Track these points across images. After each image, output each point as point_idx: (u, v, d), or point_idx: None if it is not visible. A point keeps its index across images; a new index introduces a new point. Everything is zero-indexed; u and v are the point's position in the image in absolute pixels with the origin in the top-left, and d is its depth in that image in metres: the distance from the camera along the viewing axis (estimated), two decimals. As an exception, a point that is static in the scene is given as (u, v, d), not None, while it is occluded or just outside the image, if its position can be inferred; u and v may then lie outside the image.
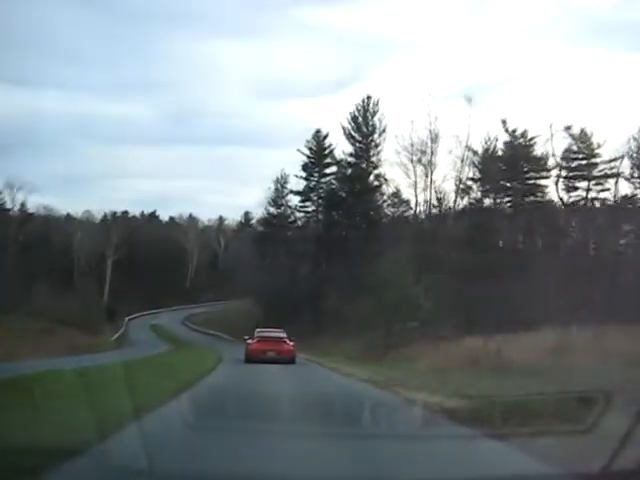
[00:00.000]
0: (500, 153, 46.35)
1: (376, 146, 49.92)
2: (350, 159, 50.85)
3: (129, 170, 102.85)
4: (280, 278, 48.98)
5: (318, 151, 51.92)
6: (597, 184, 43.48)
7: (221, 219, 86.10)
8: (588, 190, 43.67)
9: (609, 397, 6.59)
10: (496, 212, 46.25)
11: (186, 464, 5.67)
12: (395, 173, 54.58)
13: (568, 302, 27.64)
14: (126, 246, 67.30)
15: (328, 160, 52.02)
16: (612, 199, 42.68)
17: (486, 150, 45.96)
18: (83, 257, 67.86)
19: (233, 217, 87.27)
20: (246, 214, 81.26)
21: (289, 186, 54.22)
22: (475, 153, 45.37)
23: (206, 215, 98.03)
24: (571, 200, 44.49)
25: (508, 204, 47.17)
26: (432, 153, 43.94)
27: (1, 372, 13.11)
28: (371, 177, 50.28)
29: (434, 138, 43.56)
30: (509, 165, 45.44)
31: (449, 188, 45.77)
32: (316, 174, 52.38)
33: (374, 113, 49.76)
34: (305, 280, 49.19)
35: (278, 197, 54.79)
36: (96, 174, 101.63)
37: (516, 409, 8.32)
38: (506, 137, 45.91)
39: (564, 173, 44.14)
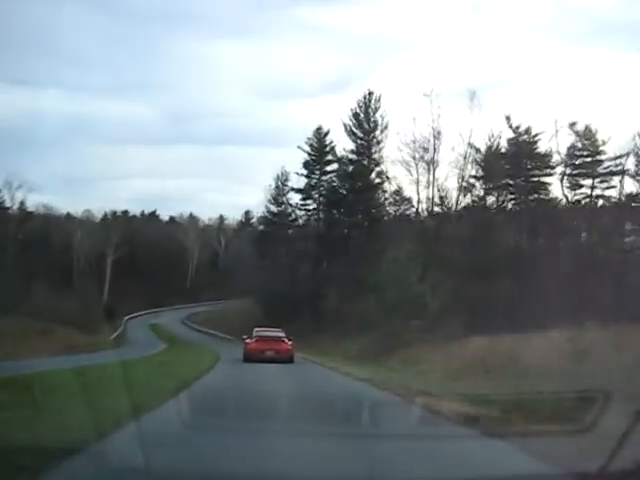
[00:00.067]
0: (503, 150, 45.87)
1: (378, 143, 49.45)
2: (351, 156, 50.33)
3: (129, 169, 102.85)
4: (280, 277, 48.61)
5: (319, 148, 51.47)
6: (602, 182, 43.02)
7: (221, 218, 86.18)
8: (593, 188, 43.23)
9: None
10: (499, 210, 45.80)
11: (184, 463, 5.69)
12: (397, 171, 53.93)
13: (576, 301, 27.21)
14: (126, 245, 67.13)
15: (329, 157, 51.57)
16: (617, 197, 42.23)
17: (489, 147, 45.46)
18: (83, 256, 67.63)
19: (233, 216, 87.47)
20: (246, 213, 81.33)
21: (290, 184, 53.84)
22: (478, 151, 44.88)
23: (206, 214, 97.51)
24: (575, 198, 44.09)
25: (512, 202, 46.72)
26: (435, 150, 43.48)
27: (0, 371, 13.21)
28: (373, 174, 49.73)
29: (437, 135, 43.09)
30: (512, 162, 44.92)
31: (452, 186, 45.35)
32: (317, 171, 51.92)
33: (376, 109, 49.29)
34: (306, 279, 48.75)
35: (279, 195, 54.40)
36: (96, 174, 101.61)
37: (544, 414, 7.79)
38: (510, 134, 45.40)
39: (568, 170, 43.69)
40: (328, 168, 51.81)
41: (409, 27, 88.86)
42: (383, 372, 19.25)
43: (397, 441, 6.89)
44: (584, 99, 70.97)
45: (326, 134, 51.69)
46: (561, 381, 12.11)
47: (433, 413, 9.29)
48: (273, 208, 54.80)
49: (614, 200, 42.82)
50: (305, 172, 51.82)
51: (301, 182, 52.26)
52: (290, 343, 24.93)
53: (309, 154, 51.49)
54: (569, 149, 43.17)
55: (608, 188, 43.08)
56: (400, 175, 48.55)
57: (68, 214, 76.05)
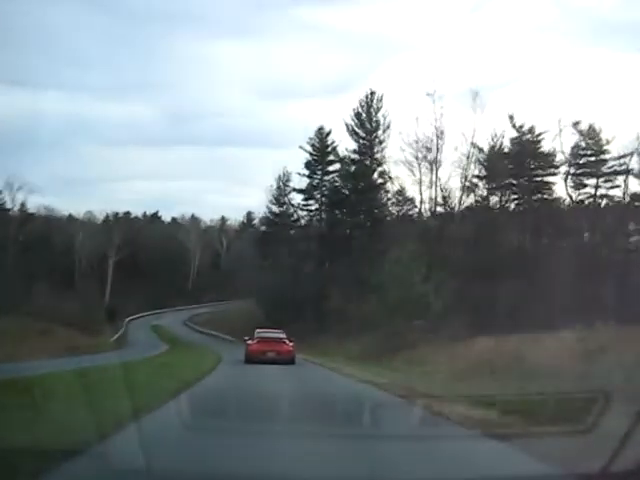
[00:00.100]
0: (506, 150, 45.62)
1: (380, 143, 49.24)
2: (353, 156, 50.12)
3: (131, 171, 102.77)
4: (283, 278, 48.36)
5: (321, 148, 51.24)
6: (606, 181, 42.75)
7: (223, 219, 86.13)
8: (597, 187, 42.97)
9: None
10: (503, 210, 45.55)
11: (185, 465, 5.68)
12: (399, 171, 53.74)
13: (581, 301, 26.95)
14: (128, 247, 67.12)
15: (331, 157, 51.36)
16: (621, 196, 41.97)
17: (492, 147, 45.23)
18: (85, 258, 67.56)
19: (235, 217, 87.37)
20: (248, 214, 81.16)
21: (291, 184, 53.58)
22: (481, 150, 44.67)
23: (208, 215, 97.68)
24: (579, 197, 43.82)
25: (515, 202, 46.46)
26: (437, 150, 43.26)
27: (1, 373, 13.16)
28: (375, 174, 49.51)
29: (439, 135, 42.89)
30: (516, 162, 44.66)
31: (455, 186, 45.11)
32: (319, 172, 51.69)
33: (378, 109, 49.08)
34: (308, 279, 48.47)
35: (280, 195, 54.13)
36: (97, 175, 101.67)
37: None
38: (513, 133, 45.15)
39: (572, 170, 43.43)
40: (330, 168, 51.64)
41: (409, 27, 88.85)
42: (386, 373, 19.04)
43: (399, 442, 6.85)
44: (588, 99, 70.68)
45: (328, 134, 51.53)
46: (572, 381, 11.88)
47: (435, 414, 9.24)
48: (275, 209, 54.61)
49: (618, 200, 42.59)
50: (307, 172, 51.70)
51: (303, 182, 52.17)
52: (291, 344, 24.93)
53: (311, 154, 51.31)
54: (573, 148, 42.93)
55: (612, 188, 42.86)
56: (403, 175, 48.54)
57: (70, 215, 76.16)
